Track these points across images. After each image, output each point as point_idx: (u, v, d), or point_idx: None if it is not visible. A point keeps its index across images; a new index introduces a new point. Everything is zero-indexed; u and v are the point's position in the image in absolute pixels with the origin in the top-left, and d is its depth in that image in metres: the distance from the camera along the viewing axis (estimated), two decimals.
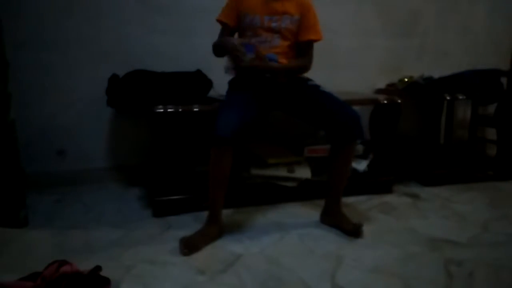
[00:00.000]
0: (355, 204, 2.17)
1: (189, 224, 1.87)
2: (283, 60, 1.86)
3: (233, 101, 1.78)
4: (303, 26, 1.86)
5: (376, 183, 2.35)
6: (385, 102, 2.29)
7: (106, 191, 2.35)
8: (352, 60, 2.83)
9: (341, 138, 1.76)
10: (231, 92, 1.90)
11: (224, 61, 1.80)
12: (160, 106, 1.92)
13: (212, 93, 2.19)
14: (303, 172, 2.22)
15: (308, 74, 1.95)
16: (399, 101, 2.28)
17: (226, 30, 1.90)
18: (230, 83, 1.95)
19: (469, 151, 2.99)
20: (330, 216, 1.88)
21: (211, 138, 1.64)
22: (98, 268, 1.39)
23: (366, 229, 1.81)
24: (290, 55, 1.89)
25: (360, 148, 2.43)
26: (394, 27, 2.91)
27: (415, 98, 2.70)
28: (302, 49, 1.89)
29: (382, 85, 2.91)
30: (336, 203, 1.88)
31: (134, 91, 2.07)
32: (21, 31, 2.22)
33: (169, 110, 1.93)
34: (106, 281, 1.37)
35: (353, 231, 1.78)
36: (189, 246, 1.62)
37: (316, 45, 1.89)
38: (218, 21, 1.91)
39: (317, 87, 1.89)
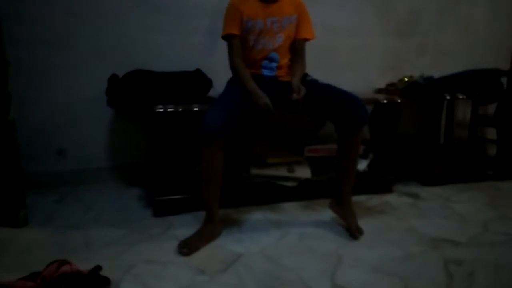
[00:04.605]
0: (355, 204, 2.15)
1: (189, 223, 1.87)
2: (284, 59, 1.89)
3: (221, 99, 1.80)
4: (300, 25, 1.90)
5: (376, 183, 2.35)
6: (385, 102, 2.29)
7: (106, 191, 2.34)
8: (352, 60, 2.84)
9: (350, 124, 1.77)
10: (223, 91, 1.91)
11: None
12: (160, 106, 1.92)
13: (211, 92, 2.19)
14: (303, 172, 2.22)
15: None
16: (399, 101, 2.28)
17: (237, 42, 1.85)
18: (229, 82, 1.95)
19: (469, 151, 2.99)
20: (340, 206, 1.89)
21: (200, 138, 1.65)
22: (98, 268, 1.39)
23: (366, 229, 1.81)
24: (288, 53, 1.91)
25: (360, 147, 2.43)
26: (394, 27, 2.91)
27: (415, 98, 2.70)
28: (297, 47, 1.92)
29: (382, 85, 2.91)
30: (348, 192, 1.88)
31: (134, 91, 2.07)
32: (21, 31, 2.22)
33: (169, 110, 1.93)
34: (106, 280, 1.37)
35: (353, 232, 1.77)
36: (188, 246, 1.63)
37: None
38: (227, 35, 1.85)
39: (316, 81, 1.91)
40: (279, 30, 1.86)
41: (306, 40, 1.92)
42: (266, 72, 1.89)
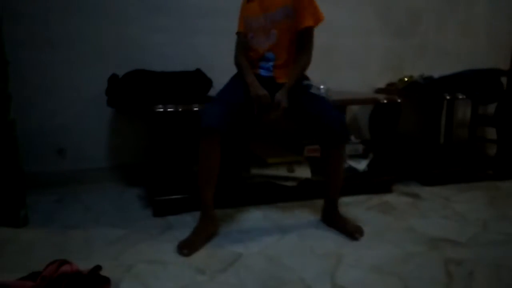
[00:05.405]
0: (355, 204, 2.17)
1: (189, 223, 1.87)
2: (281, 58, 1.83)
3: (220, 95, 1.81)
4: (298, 14, 1.79)
5: (376, 183, 2.35)
6: (385, 101, 2.29)
7: (106, 191, 2.34)
8: (352, 60, 2.84)
9: (328, 142, 1.76)
10: (224, 87, 1.91)
11: None
12: (160, 106, 1.93)
13: (211, 92, 2.19)
14: (303, 172, 2.22)
15: (308, 75, 1.94)
16: (399, 100, 2.28)
17: (242, 38, 1.92)
18: (232, 78, 1.95)
19: (469, 150, 2.99)
20: (329, 218, 1.89)
21: (198, 133, 1.65)
22: (98, 268, 1.39)
23: (366, 229, 1.81)
24: (286, 51, 1.83)
25: (360, 147, 2.43)
26: (394, 27, 2.91)
27: (415, 98, 2.71)
28: (302, 39, 1.81)
29: (382, 84, 2.91)
30: (333, 204, 1.87)
31: (134, 91, 2.07)
32: (21, 30, 2.22)
33: (169, 109, 1.93)
34: (106, 280, 1.37)
35: (352, 234, 1.76)
36: (188, 247, 1.62)
37: (316, 45, 1.86)
38: (236, 32, 1.93)
39: (307, 88, 1.84)
40: (272, 25, 1.80)
41: (307, 28, 1.79)
42: (263, 72, 1.86)
